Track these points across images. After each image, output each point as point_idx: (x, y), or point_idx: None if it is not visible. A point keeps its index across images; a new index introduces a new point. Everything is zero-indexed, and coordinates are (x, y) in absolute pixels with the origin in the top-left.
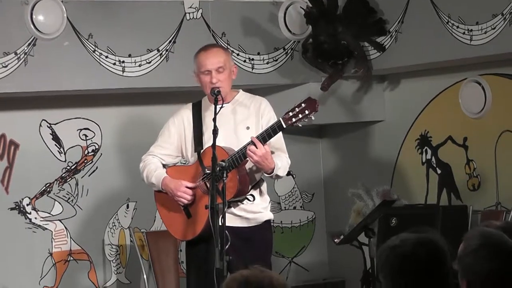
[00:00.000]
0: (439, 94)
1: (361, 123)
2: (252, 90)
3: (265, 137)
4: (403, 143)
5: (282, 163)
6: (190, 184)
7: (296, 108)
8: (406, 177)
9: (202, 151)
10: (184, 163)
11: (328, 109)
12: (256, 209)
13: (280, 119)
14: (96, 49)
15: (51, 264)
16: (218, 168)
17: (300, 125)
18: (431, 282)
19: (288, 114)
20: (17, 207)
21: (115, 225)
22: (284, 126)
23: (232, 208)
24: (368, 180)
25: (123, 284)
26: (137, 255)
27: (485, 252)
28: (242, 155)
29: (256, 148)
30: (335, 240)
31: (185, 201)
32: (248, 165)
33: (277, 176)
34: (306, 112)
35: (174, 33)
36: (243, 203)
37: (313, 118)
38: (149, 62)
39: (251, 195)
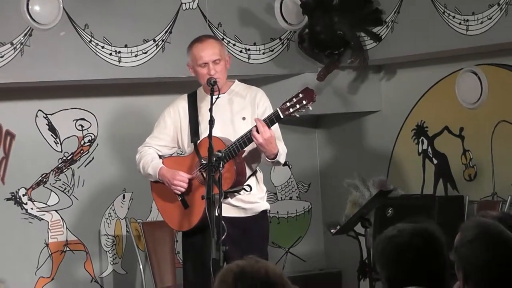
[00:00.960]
0: (435, 84)
1: (357, 113)
2: (248, 80)
3: (267, 124)
4: (399, 133)
5: (283, 150)
6: (186, 175)
7: (294, 98)
8: (402, 167)
9: (198, 141)
10: (181, 154)
11: (324, 99)
12: (253, 199)
13: (278, 109)
14: (92, 39)
15: (47, 255)
16: (214, 159)
17: (297, 115)
18: (427, 272)
19: (285, 104)
20: (13, 197)
21: (111, 216)
22: (282, 116)
23: (229, 199)
24: (364, 170)
25: (119, 275)
26: (133, 245)
27: (481, 243)
28: (239, 145)
29: (263, 130)
30: (332, 231)
31: (182, 189)
32: (245, 155)
33: (278, 163)
34: (304, 102)
35: (170, 24)
36: (240, 194)
37: (310, 108)
38: (145, 53)
39: (248, 185)
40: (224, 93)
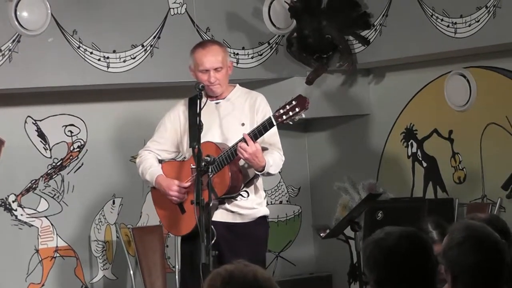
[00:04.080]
0: (424, 87)
1: (346, 116)
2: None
3: (256, 134)
4: (388, 137)
5: (274, 160)
6: (182, 184)
7: (287, 106)
8: (391, 170)
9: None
10: (183, 159)
11: (313, 103)
12: (250, 205)
13: (271, 116)
14: (81, 45)
15: (37, 261)
16: (203, 163)
17: (290, 123)
18: (416, 275)
19: (278, 112)
20: (2, 204)
21: (101, 221)
22: (275, 124)
23: (226, 204)
24: (354, 173)
25: (109, 280)
26: (124, 251)
27: (469, 245)
28: (234, 151)
29: (247, 145)
30: (321, 234)
31: (178, 200)
32: (242, 161)
33: (269, 174)
34: (297, 109)
35: (159, 29)
36: (236, 200)
37: (303, 115)
38: (134, 58)
39: (245, 191)
40: (224, 98)
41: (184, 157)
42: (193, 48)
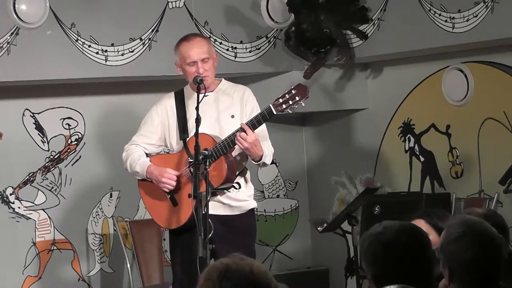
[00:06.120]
0: (422, 82)
1: (344, 111)
2: (235, 78)
3: (254, 123)
4: (386, 131)
5: (268, 150)
6: (175, 172)
7: (287, 95)
8: (389, 165)
9: (187, 139)
10: (168, 152)
11: (311, 97)
12: (241, 197)
13: (270, 105)
14: (79, 38)
15: (34, 254)
16: (201, 157)
17: (290, 112)
18: (413, 269)
19: (278, 101)
20: (0, 196)
21: (98, 214)
22: (275, 113)
23: (219, 196)
24: (351, 168)
25: (106, 273)
26: (121, 244)
27: (466, 240)
28: (230, 142)
29: (246, 134)
30: (318, 228)
31: (170, 187)
32: (235, 152)
33: (264, 164)
34: (297, 98)
35: (157, 22)
36: (229, 191)
37: (303, 104)
38: (132, 51)
39: (237, 183)
40: (212, 91)
41: (170, 150)
42: (177, 44)
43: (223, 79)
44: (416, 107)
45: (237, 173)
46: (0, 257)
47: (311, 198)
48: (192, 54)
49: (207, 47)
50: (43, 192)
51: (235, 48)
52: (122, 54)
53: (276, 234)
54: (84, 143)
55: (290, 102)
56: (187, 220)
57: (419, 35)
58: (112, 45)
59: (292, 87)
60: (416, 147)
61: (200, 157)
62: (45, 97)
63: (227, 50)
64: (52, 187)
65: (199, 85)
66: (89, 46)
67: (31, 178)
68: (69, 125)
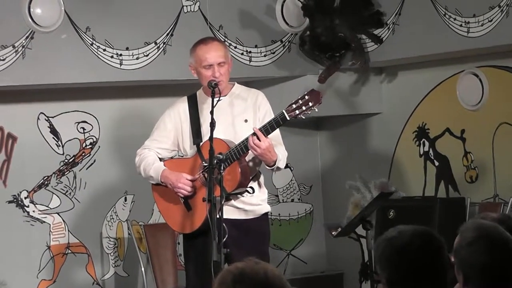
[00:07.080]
0: (437, 86)
1: (358, 115)
2: (250, 82)
3: (268, 129)
4: (400, 136)
5: (282, 155)
6: (190, 177)
7: (300, 100)
8: (403, 169)
9: (201, 143)
10: (181, 156)
11: (325, 101)
12: (255, 201)
13: (284, 111)
14: (94, 42)
15: (49, 257)
16: (215, 161)
17: (303, 117)
18: (428, 273)
19: (291, 106)
20: (15, 200)
21: (113, 218)
22: (288, 118)
23: (232, 201)
24: (366, 172)
25: (121, 277)
26: (135, 248)
27: (480, 245)
28: (244, 147)
29: (259, 140)
30: (333, 233)
31: (186, 193)
32: (248, 157)
33: (278, 169)
34: (310, 104)
35: (172, 26)
36: (243, 196)
37: (316, 110)
38: (147, 55)
39: (251, 187)
40: (225, 95)
41: (183, 155)
42: (194, 46)
43: (236, 83)
44: (430, 112)
45: (250, 178)
46: (15, 261)
47: (325, 203)
48: (209, 57)
49: (224, 52)
50: (57, 196)
51: (250, 52)
52: (137, 58)
53: (290, 238)
54: (99, 146)
55: (304, 108)
56: (201, 224)
57: (434, 40)
58: (127, 49)
59: (305, 92)
60: (431, 151)
61: (215, 161)
62: (60, 101)
63: (242, 54)
64: (67, 191)
65: (214, 89)
66: (104, 50)
67: (46, 182)
68: (83, 129)
